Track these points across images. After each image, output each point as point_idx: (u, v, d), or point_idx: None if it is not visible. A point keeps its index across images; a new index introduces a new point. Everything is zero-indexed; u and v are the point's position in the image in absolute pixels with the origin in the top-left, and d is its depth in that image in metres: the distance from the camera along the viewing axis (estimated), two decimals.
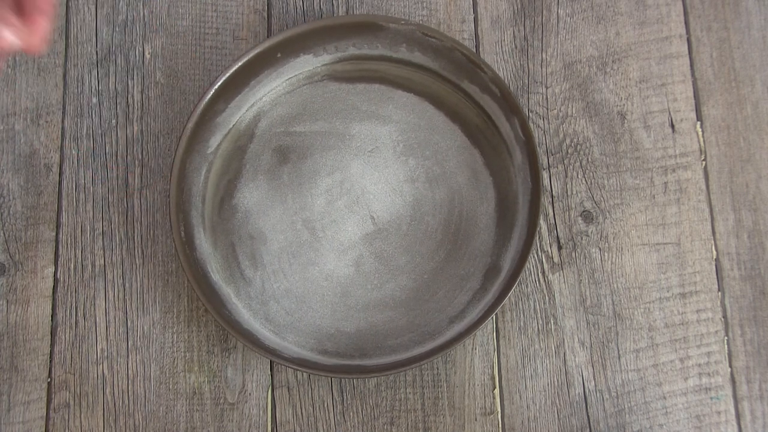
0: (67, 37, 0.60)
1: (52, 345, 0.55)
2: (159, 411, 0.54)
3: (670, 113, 0.58)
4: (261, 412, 0.53)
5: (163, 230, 0.57)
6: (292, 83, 0.58)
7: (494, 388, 0.53)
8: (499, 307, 0.51)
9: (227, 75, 0.54)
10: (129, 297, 0.55)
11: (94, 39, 0.60)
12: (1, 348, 0.55)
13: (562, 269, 0.55)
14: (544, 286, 0.55)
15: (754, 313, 0.55)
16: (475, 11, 0.60)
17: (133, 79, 0.59)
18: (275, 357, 0.51)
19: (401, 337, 0.54)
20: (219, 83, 0.54)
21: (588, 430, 0.53)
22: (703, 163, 0.57)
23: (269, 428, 0.53)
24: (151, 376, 0.54)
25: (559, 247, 0.56)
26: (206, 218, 0.55)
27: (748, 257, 0.55)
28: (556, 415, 0.53)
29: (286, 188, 0.56)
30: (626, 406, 0.53)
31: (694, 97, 0.58)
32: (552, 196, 0.56)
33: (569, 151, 0.57)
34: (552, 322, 0.54)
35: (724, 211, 0.56)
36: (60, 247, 0.56)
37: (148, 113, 0.58)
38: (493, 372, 0.54)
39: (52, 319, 0.55)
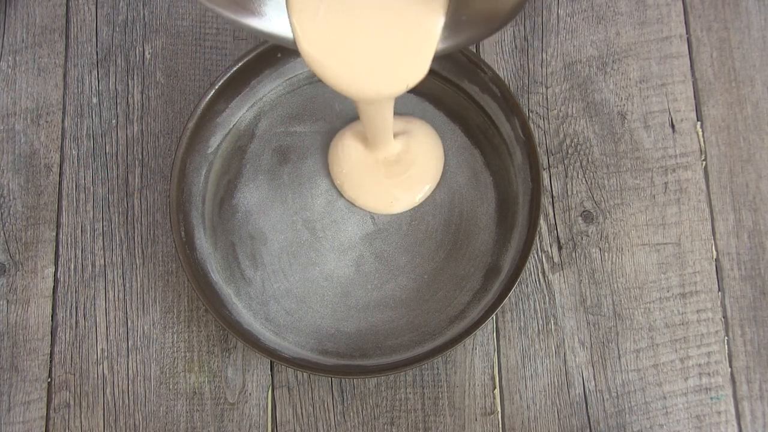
0: (67, 37, 0.60)
1: (52, 345, 0.55)
2: (159, 411, 0.54)
3: (670, 113, 0.58)
4: (261, 412, 0.53)
5: (163, 230, 0.57)
6: (292, 83, 0.58)
7: (494, 388, 0.53)
8: (499, 307, 0.51)
9: (227, 75, 0.54)
10: (129, 297, 0.55)
11: (94, 39, 0.60)
12: (1, 348, 0.55)
13: (562, 269, 0.55)
14: (544, 286, 0.55)
15: (754, 313, 0.55)
16: None
17: (133, 79, 0.59)
18: (275, 357, 0.51)
19: (401, 337, 0.54)
20: (219, 83, 0.54)
21: (588, 430, 0.53)
22: (703, 163, 0.57)
23: (269, 428, 0.53)
24: (151, 376, 0.54)
25: (559, 247, 0.56)
26: (206, 218, 0.55)
27: (748, 257, 0.55)
28: (557, 415, 0.53)
29: (286, 188, 0.56)
30: (626, 406, 0.53)
31: (694, 97, 0.58)
32: (552, 196, 0.56)
33: (569, 151, 0.57)
34: (552, 322, 0.54)
35: (724, 211, 0.56)
36: (60, 247, 0.56)
37: (148, 113, 0.58)
38: (493, 372, 0.54)
39: (52, 319, 0.55)
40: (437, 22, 0.40)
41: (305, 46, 0.41)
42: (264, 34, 0.42)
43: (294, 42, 0.42)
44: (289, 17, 0.41)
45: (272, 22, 0.41)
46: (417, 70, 0.42)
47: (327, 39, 0.41)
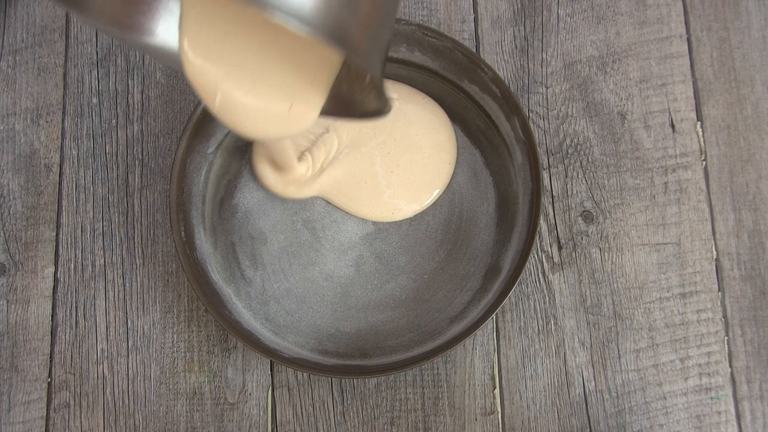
0: (67, 37, 0.60)
1: (52, 345, 0.55)
2: (159, 411, 0.54)
3: (670, 113, 0.58)
4: (261, 412, 0.53)
5: (163, 230, 0.57)
6: None
7: (494, 388, 0.53)
8: (499, 307, 0.51)
9: None
10: (129, 297, 0.55)
11: (94, 39, 0.60)
12: (1, 348, 0.55)
13: (562, 269, 0.55)
14: (544, 286, 0.55)
15: (754, 313, 0.55)
16: (475, 11, 0.60)
17: (133, 79, 0.59)
18: (275, 357, 0.51)
19: (401, 337, 0.54)
20: None
21: (588, 430, 0.53)
22: (703, 163, 0.57)
23: (269, 428, 0.53)
24: (151, 376, 0.54)
25: (559, 247, 0.56)
26: (206, 218, 0.55)
27: (748, 257, 0.55)
28: (557, 415, 0.53)
29: None
30: (626, 406, 0.53)
31: (694, 97, 0.58)
32: (552, 196, 0.56)
33: (569, 151, 0.57)
34: (552, 322, 0.54)
35: (724, 211, 0.56)
36: (60, 247, 0.56)
37: (148, 113, 0.58)
38: (493, 372, 0.54)
39: (52, 319, 0.55)
40: (327, 83, 0.40)
41: (193, 75, 0.40)
42: (149, 49, 0.41)
43: (180, 62, 0.40)
44: (179, 38, 0.39)
45: (159, 38, 0.40)
46: (303, 120, 0.41)
47: (216, 70, 0.39)
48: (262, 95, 0.40)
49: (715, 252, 0.56)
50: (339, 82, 0.40)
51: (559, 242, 0.56)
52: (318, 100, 0.40)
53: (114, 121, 0.58)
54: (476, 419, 0.53)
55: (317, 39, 0.30)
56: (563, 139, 0.57)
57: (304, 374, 0.54)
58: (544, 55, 0.59)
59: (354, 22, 0.31)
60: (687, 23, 0.59)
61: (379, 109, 0.38)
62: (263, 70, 0.39)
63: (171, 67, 0.42)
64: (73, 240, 0.56)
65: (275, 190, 0.55)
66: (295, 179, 0.54)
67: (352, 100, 0.41)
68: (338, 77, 0.41)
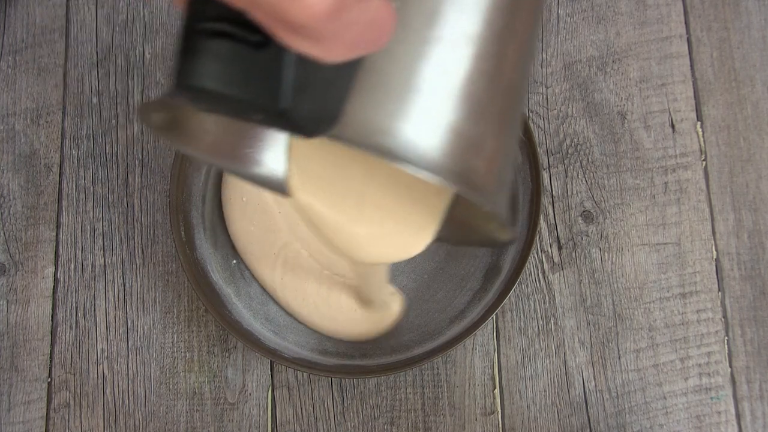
0: (67, 37, 0.60)
1: (52, 345, 0.55)
2: (159, 411, 0.54)
3: (670, 113, 0.58)
4: (261, 412, 0.53)
5: (163, 230, 0.57)
6: None
7: (494, 388, 0.53)
8: (499, 307, 0.51)
9: None
10: (129, 297, 0.55)
11: (94, 39, 0.60)
12: (1, 348, 0.55)
13: (562, 269, 0.55)
14: (544, 286, 0.55)
15: (754, 313, 0.55)
16: None
17: (133, 79, 0.59)
18: (275, 357, 0.51)
19: (401, 337, 0.53)
20: None
21: (588, 430, 0.53)
22: (703, 163, 0.57)
23: (269, 428, 0.53)
24: (151, 376, 0.54)
25: (559, 247, 0.56)
26: (206, 218, 0.55)
27: (748, 257, 0.55)
28: (557, 415, 0.53)
29: None
30: (626, 406, 0.53)
31: (694, 97, 0.58)
32: (552, 196, 0.56)
33: (569, 151, 0.57)
34: (552, 322, 0.54)
35: (724, 211, 0.56)
36: (60, 247, 0.56)
37: None
38: (493, 372, 0.54)
39: (52, 319, 0.55)
40: (442, 207, 0.38)
41: (301, 205, 0.38)
42: (254, 178, 0.39)
43: (285, 188, 0.38)
44: (287, 168, 0.37)
45: (265, 168, 0.38)
46: (415, 248, 0.39)
47: (326, 199, 0.37)
48: (373, 223, 0.37)
49: (715, 252, 0.56)
50: (454, 206, 0.38)
51: (559, 242, 0.56)
52: (432, 225, 0.38)
53: (114, 121, 0.58)
54: (476, 419, 0.53)
55: (444, 186, 0.28)
56: (563, 139, 0.57)
57: (304, 374, 0.54)
58: (544, 55, 0.59)
59: (480, 164, 0.29)
60: (687, 23, 0.59)
61: (501, 240, 0.36)
62: (375, 196, 0.37)
63: (275, 193, 0.39)
64: (73, 240, 0.56)
65: (368, 335, 0.52)
66: (391, 315, 0.52)
67: (469, 225, 0.38)
68: (453, 201, 0.38)
